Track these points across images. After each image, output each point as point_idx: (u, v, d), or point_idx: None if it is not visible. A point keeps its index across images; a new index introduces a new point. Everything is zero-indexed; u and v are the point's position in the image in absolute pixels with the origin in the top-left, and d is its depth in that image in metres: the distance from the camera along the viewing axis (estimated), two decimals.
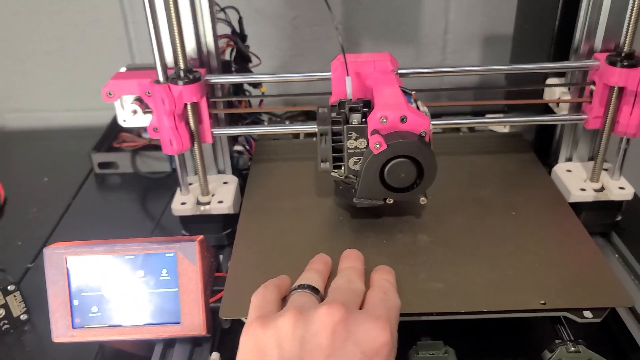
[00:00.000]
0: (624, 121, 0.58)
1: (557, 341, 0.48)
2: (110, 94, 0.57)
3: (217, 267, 0.56)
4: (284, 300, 0.45)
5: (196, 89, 0.56)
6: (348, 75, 0.53)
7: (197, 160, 0.61)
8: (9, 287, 0.57)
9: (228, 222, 0.64)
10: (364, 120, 0.52)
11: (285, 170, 0.68)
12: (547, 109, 0.69)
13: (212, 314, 0.51)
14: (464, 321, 0.48)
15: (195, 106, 0.58)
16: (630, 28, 0.54)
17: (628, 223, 0.64)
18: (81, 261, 0.51)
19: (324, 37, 0.97)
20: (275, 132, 0.74)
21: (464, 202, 0.60)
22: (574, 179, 0.64)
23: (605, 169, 0.64)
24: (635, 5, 0.53)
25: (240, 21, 0.76)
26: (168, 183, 0.81)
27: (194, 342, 0.53)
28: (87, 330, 0.51)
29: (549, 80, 0.68)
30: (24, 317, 0.59)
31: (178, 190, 0.64)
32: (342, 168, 0.54)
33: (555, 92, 0.66)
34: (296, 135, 0.81)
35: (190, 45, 0.59)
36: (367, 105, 0.53)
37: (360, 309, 0.43)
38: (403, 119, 0.50)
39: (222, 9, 0.72)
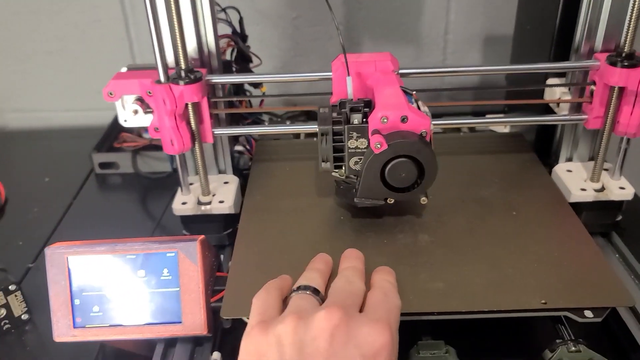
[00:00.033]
0: (625, 121, 0.58)
1: (557, 341, 0.48)
2: (111, 93, 0.57)
3: (218, 267, 0.56)
4: (285, 301, 0.45)
5: (197, 89, 0.56)
6: (349, 75, 0.53)
7: (198, 160, 0.61)
8: (10, 287, 0.58)
9: (229, 222, 0.64)
10: (364, 120, 0.52)
11: (286, 170, 0.68)
12: (547, 109, 0.69)
13: (213, 314, 0.51)
14: (465, 321, 0.48)
15: (196, 106, 0.58)
16: (630, 28, 0.54)
17: (628, 223, 0.64)
18: (82, 261, 0.51)
19: (325, 37, 0.98)
20: (276, 132, 0.74)
21: (464, 202, 0.60)
22: (575, 179, 0.64)
23: (606, 169, 0.64)
24: (636, 6, 0.53)
25: (241, 21, 0.76)
26: (168, 183, 0.81)
27: (195, 341, 0.54)
28: (88, 330, 0.51)
29: (550, 81, 0.68)
30: (25, 316, 0.59)
31: (179, 190, 0.64)
32: (343, 168, 0.54)
33: (556, 92, 0.66)
34: (297, 135, 0.81)
35: (191, 45, 0.60)
36: (368, 105, 0.53)
37: (361, 309, 0.43)
38: (404, 119, 0.50)
39: (223, 9, 0.72)
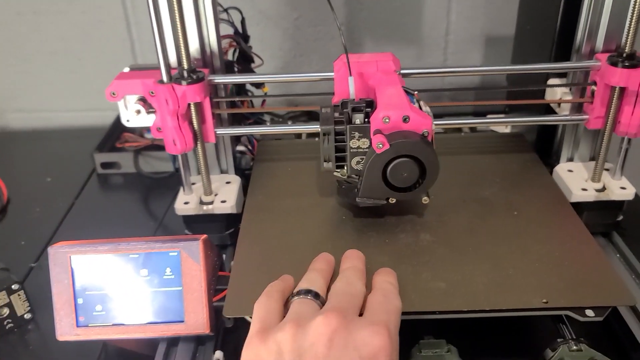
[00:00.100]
0: (625, 121, 0.58)
1: (559, 340, 0.48)
2: (114, 94, 0.58)
3: (220, 266, 0.56)
4: (287, 304, 0.45)
5: (200, 89, 0.56)
6: (351, 75, 0.54)
7: (200, 160, 0.61)
8: (13, 286, 0.58)
9: (231, 221, 0.64)
10: (366, 120, 0.52)
11: (288, 170, 0.68)
12: (548, 109, 0.69)
13: (215, 313, 0.51)
14: (467, 320, 0.48)
15: (199, 106, 0.58)
16: (631, 29, 0.54)
17: (629, 223, 0.64)
18: (85, 260, 0.51)
19: (326, 37, 0.98)
20: (278, 132, 0.74)
21: (466, 202, 0.60)
22: (576, 178, 0.64)
23: (607, 169, 0.64)
24: (637, 6, 0.53)
25: (242, 22, 0.76)
26: (170, 183, 0.81)
27: (198, 340, 0.54)
28: (91, 329, 0.51)
29: (551, 81, 0.68)
30: (27, 316, 0.59)
31: (181, 189, 0.64)
32: (345, 168, 0.54)
33: (557, 93, 0.66)
34: (298, 135, 0.81)
35: (194, 46, 0.60)
36: (369, 105, 0.53)
37: (362, 311, 0.43)
38: (406, 119, 0.50)
39: (225, 10, 0.72)
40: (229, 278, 0.52)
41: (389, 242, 0.55)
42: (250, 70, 0.77)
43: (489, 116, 0.68)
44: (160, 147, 0.82)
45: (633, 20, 0.54)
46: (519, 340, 0.54)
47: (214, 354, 0.52)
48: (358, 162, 0.53)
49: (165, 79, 0.55)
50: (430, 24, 0.97)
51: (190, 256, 0.50)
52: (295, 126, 0.69)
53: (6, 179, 0.82)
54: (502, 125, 0.81)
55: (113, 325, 0.51)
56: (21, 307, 0.59)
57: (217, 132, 0.61)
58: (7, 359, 0.56)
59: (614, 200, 0.62)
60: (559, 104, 0.67)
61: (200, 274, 0.50)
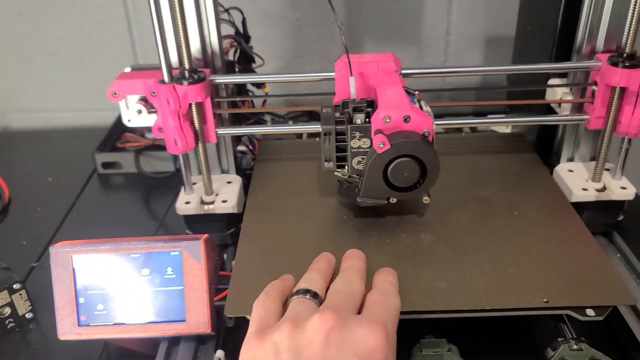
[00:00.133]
0: (626, 121, 0.58)
1: (559, 339, 0.48)
2: (115, 93, 0.58)
3: (221, 266, 0.56)
4: (286, 304, 0.45)
5: (201, 89, 0.56)
6: (352, 75, 0.54)
7: (201, 160, 0.61)
8: (14, 286, 0.58)
9: (232, 221, 0.64)
10: (367, 120, 0.52)
11: (289, 170, 0.68)
12: (549, 109, 0.69)
13: (216, 312, 0.52)
14: (467, 319, 0.48)
15: (200, 106, 0.58)
16: (631, 29, 0.55)
17: (630, 223, 0.64)
18: (87, 259, 0.51)
19: (327, 38, 0.98)
20: (279, 132, 0.74)
21: (466, 202, 0.60)
22: (576, 178, 0.64)
23: (607, 169, 0.64)
24: (637, 7, 0.53)
25: (243, 22, 0.76)
26: (171, 183, 0.81)
27: (199, 340, 0.54)
28: (92, 328, 0.51)
29: (551, 81, 0.68)
30: (29, 315, 0.59)
31: (182, 189, 0.64)
32: (346, 167, 0.54)
33: (557, 93, 0.66)
34: (299, 135, 0.81)
35: (195, 46, 0.60)
36: (370, 105, 0.53)
37: (361, 310, 0.43)
38: (406, 119, 0.50)
39: (226, 10, 0.72)
40: (230, 278, 0.52)
41: (389, 241, 0.55)
42: (251, 71, 0.78)
43: (489, 116, 0.68)
44: (161, 147, 0.82)
45: (633, 21, 0.54)
46: (520, 339, 0.55)
47: (215, 353, 0.52)
48: (359, 162, 0.53)
49: (166, 78, 0.56)
50: (430, 24, 0.97)
51: (191, 256, 0.50)
52: (296, 126, 0.69)
53: (7, 178, 0.82)
54: (502, 125, 0.81)
55: (114, 324, 0.51)
56: (22, 307, 0.59)
57: (218, 132, 0.61)
58: (9, 358, 0.56)
59: (615, 200, 0.62)
60: (559, 104, 0.67)
61: (201, 274, 0.50)
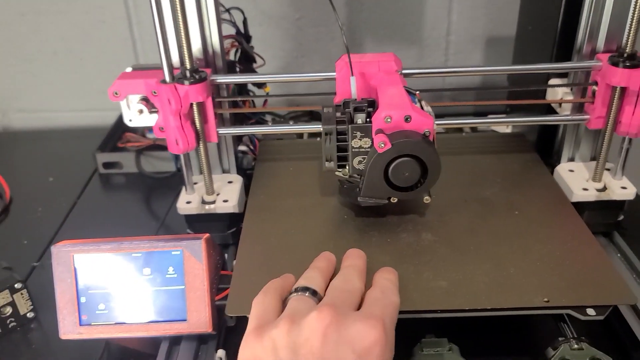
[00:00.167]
0: (626, 121, 0.58)
1: (560, 339, 0.48)
2: (116, 93, 0.58)
3: (222, 266, 0.56)
4: (285, 302, 0.45)
5: (202, 89, 0.56)
6: (353, 75, 0.54)
7: (203, 160, 0.61)
8: (16, 285, 0.58)
9: (233, 221, 0.65)
10: (368, 119, 0.52)
11: (290, 170, 0.68)
12: (549, 109, 0.69)
13: (217, 312, 0.52)
14: (468, 319, 0.48)
15: (201, 106, 0.58)
16: (632, 29, 0.55)
17: (630, 222, 0.65)
18: (88, 259, 0.51)
19: (327, 38, 0.98)
20: (280, 131, 0.74)
21: (467, 202, 0.60)
22: (577, 178, 0.64)
23: (608, 169, 0.64)
24: (638, 7, 0.53)
25: (244, 22, 0.77)
26: (172, 183, 0.81)
27: (200, 339, 0.54)
28: (94, 328, 0.51)
29: (552, 81, 0.68)
30: (30, 315, 0.60)
31: (183, 189, 0.64)
32: (347, 167, 0.54)
33: (558, 93, 0.66)
34: (300, 135, 0.82)
35: (196, 46, 0.60)
36: (371, 105, 0.53)
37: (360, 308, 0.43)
38: (407, 119, 0.50)
39: (227, 10, 0.72)
40: (231, 277, 0.52)
41: (390, 241, 0.55)
42: (252, 70, 0.78)
43: (490, 116, 0.68)
44: (161, 147, 0.82)
45: (634, 21, 0.54)
46: (521, 339, 0.55)
47: (216, 352, 0.52)
48: (360, 162, 0.53)
49: (167, 78, 0.56)
50: (431, 24, 0.98)
51: (192, 255, 0.51)
52: (296, 126, 0.69)
53: (8, 178, 0.83)
54: (503, 125, 0.81)
55: (116, 324, 0.51)
56: (24, 306, 0.59)
57: (219, 132, 0.61)
58: (10, 357, 0.56)
59: (615, 200, 0.62)
60: (560, 104, 0.67)
61: (202, 273, 0.50)
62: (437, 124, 0.52)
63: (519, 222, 0.57)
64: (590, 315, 0.47)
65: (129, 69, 0.61)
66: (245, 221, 0.60)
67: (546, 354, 0.48)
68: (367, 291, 0.45)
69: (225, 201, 0.63)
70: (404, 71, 0.58)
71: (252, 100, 0.76)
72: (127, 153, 0.85)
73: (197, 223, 0.64)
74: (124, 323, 0.51)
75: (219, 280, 0.53)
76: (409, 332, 0.45)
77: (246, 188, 0.67)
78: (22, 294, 0.59)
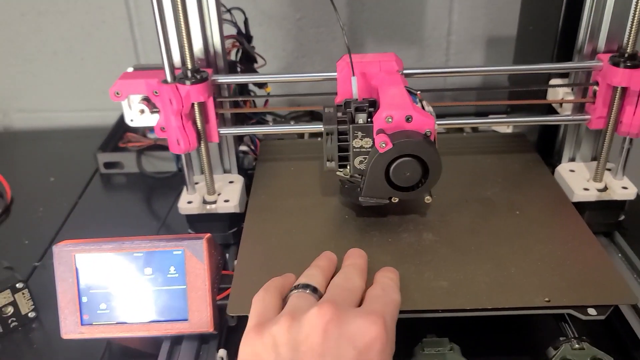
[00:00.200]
0: (627, 121, 0.58)
1: (561, 338, 0.48)
2: (118, 93, 0.58)
3: (223, 265, 0.56)
4: (285, 300, 0.45)
5: (203, 89, 0.56)
6: (354, 75, 0.54)
7: (204, 160, 0.61)
8: (17, 285, 0.58)
9: (234, 221, 0.65)
10: (369, 119, 0.52)
11: (291, 170, 0.68)
12: (550, 110, 0.69)
13: (219, 312, 0.52)
14: (469, 319, 0.48)
15: (203, 106, 0.58)
16: (633, 29, 0.55)
17: (631, 222, 0.65)
18: (90, 258, 0.51)
19: (328, 38, 0.98)
20: (281, 131, 0.74)
21: (468, 202, 0.60)
22: (577, 178, 0.64)
23: (609, 169, 0.64)
24: (638, 7, 0.53)
25: (245, 22, 0.77)
26: (173, 183, 0.81)
27: (201, 339, 0.54)
28: (95, 327, 0.51)
29: (553, 81, 0.68)
30: (31, 314, 0.60)
31: (184, 189, 0.64)
32: (348, 167, 0.54)
33: (559, 93, 0.66)
34: (301, 135, 0.82)
35: (198, 46, 0.60)
36: (372, 105, 0.53)
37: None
38: (408, 119, 0.50)
39: (228, 10, 0.72)
40: (233, 277, 0.52)
41: (391, 241, 0.55)
42: (253, 71, 0.78)
43: (490, 116, 0.68)
44: (162, 147, 0.82)
45: (635, 21, 0.54)
46: (522, 339, 0.55)
47: (217, 352, 0.52)
48: (361, 162, 0.53)
49: (169, 78, 0.56)
50: (432, 24, 0.98)
51: (194, 255, 0.51)
52: (297, 126, 0.69)
53: (9, 178, 0.83)
54: (504, 125, 0.81)
55: (117, 323, 0.51)
56: (25, 306, 0.59)
57: (221, 132, 0.62)
58: (12, 357, 0.56)
59: (616, 200, 0.62)
60: (560, 104, 0.67)
61: (204, 273, 0.51)
62: (438, 124, 0.52)
63: (519, 222, 0.57)
64: (591, 315, 0.47)
65: (130, 69, 0.62)
66: (246, 221, 0.60)
67: (547, 354, 0.48)
68: (367, 289, 0.45)
69: (226, 201, 0.63)
70: (405, 71, 0.58)
71: (253, 101, 0.76)
72: (128, 153, 0.85)
73: (198, 223, 0.64)
74: (126, 323, 0.51)
75: (220, 280, 0.54)
76: (410, 331, 0.45)
77: (247, 188, 0.67)
78: (23, 293, 0.59)
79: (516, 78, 0.81)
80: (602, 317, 0.47)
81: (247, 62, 0.76)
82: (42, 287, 0.61)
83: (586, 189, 0.62)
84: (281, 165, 0.70)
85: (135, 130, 0.85)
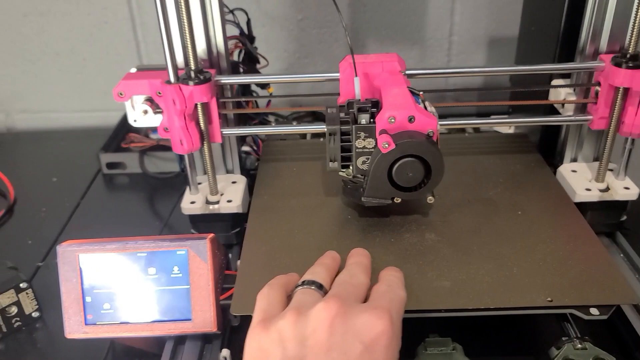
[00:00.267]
0: (629, 122, 0.58)
1: (563, 338, 0.48)
2: (121, 94, 0.58)
3: (226, 265, 0.56)
4: (290, 297, 0.45)
5: (207, 90, 0.57)
6: (356, 75, 0.54)
7: (207, 160, 0.61)
8: (21, 285, 0.58)
9: (237, 221, 0.65)
10: (372, 120, 0.53)
11: (293, 170, 0.69)
12: (552, 110, 0.69)
13: (222, 311, 0.52)
14: (472, 319, 0.48)
15: (206, 106, 0.59)
16: (635, 29, 0.55)
17: (633, 223, 0.65)
18: (94, 258, 0.51)
19: (330, 39, 0.98)
20: (284, 132, 0.74)
21: (470, 202, 0.61)
22: (579, 179, 0.64)
23: (611, 169, 0.64)
24: None
25: (248, 23, 0.77)
26: (176, 183, 0.82)
27: (205, 338, 0.54)
28: (99, 327, 0.52)
29: (555, 81, 0.68)
30: (35, 314, 0.60)
31: (187, 189, 0.64)
32: (351, 167, 0.54)
33: (561, 93, 0.66)
34: (303, 136, 0.82)
35: (201, 47, 0.60)
36: (375, 106, 0.53)
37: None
38: (411, 119, 0.51)
39: (231, 11, 0.73)
40: (236, 276, 0.52)
41: (394, 241, 0.55)
42: (256, 71, 0.78)
43: (492, 117, 0.69)
44: (165, 148, 0.82)
45: (637, 21, 0.54)
46: (524, 338, 0.55)
47: (220, 352, 0.52)
48: (364, 162, 0.54)
49: (172, 79, 0.56)
50: (434, 25, 0.98)
51: (197, 255, 0.51)
52: (300, 126, 0.69)
53: (12, 179, 0.83)
54: (505, 125, 0.81)
55: (121, 323, 0.52)
56: (29, 306, 0.59)
57: (224, 132, 0.62)
58: (16, 356, 0.57)
59: (618, 200, 0.62)
60: (562, 105, 0.67)
61: (207, 273, 0.51)
62: (440, 125, 0.53)
63: (522, 222, 0.58)
64: (593, 315, 0.47)
65: (133, 70, 0.62)
66: (249, 221, 0.60)
67: (549, 354, 0.48)
68: (373, 286, 0.45)
69: (229, 201, 0.63)
70: (407, 72, 0.59)
71: (256, 101, 0.77)
72: (131, 153, 0.85)
73: (201, 223, 0.64)
74: (129, 322, 0.52)
75: (224, 279, 0.54)
76: (413, 331, 0.45)
77: (250, 188, 0.67)
78: (27, 293, 0.59)
79: (518, 78, 0.81)
80: (605, 317, 0.47)
81: (250, 62, 0.77)
82: (45, 287, 0.61)
83: (588, 189, 0.62)
84: (284, 165, 0.70)
85: (137, 130, 0.86)
